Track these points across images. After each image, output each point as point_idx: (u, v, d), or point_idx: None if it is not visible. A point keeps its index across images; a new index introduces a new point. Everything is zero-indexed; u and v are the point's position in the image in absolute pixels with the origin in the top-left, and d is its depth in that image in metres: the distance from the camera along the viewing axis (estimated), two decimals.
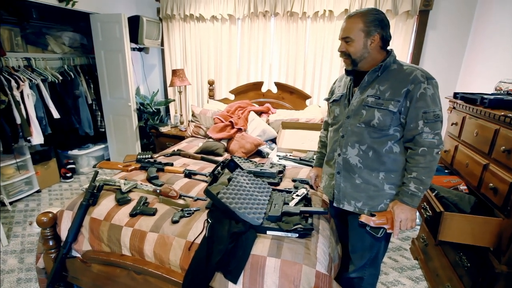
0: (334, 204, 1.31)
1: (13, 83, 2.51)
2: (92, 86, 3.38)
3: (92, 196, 1.53)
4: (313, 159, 2.22)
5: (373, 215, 1.18)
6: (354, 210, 1.25)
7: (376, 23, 1.09)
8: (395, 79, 1.11)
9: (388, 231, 1.18)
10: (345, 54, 1.16)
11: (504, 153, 1.21)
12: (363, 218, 1.17)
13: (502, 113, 1.24)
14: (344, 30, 1.14)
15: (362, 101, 1.16)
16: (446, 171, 1.76)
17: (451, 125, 1.76)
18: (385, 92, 1.12)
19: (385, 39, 1.12)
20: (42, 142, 2.75)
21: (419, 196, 1.11)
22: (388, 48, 1.18)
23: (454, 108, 1.77)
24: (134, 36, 3.13)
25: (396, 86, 1.10)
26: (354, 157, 1.20)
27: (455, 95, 1.72)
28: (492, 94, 1.53)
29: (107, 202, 1.55)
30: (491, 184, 1.27)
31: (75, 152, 3.39)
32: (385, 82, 1.13)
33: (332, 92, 1.38)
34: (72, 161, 3.39)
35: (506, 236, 1.18)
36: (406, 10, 2.52)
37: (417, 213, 1.40)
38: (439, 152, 1.10)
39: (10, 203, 2.68)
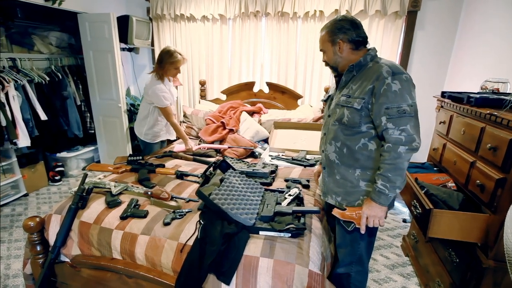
0: (322, 197, 1.38)
1: None
2: (80, 87, 3.32)
3: (81, 199, 1.50)
4: (306, 159, 2.26)
5: (344, 209, 1.24)
6: (335, 204, 1.31)
7: (336, 31, 1.17)
8: (365, 77, 1.15)
9: (356, 226, 1.23)
10: (327, 63, 1.29)
11: (490, 151, 1.23)
12: (335, 212, 1.24)
13: (488, 112, 1.27)
14: (319, 43, 1.27)
15: (338, 100, 1.23)
16: (435, 168, 1.79)
17: (439, 123, 1.79)
18: (355, 91, 1.17)
19: (354, 41, 1.17)
20: (29, 144, 2.69)
21: (386, 194, 1.11)
22: (370, 46, 1.21)
23: (442, 107, 1.80)
24: (124, 36, 3.09)
25: (364, 84, 1.14)
26: (332, 153, 1.26)
27: (443, 94, 1.76)
28: (478, 93, 1.56)
29: (97, 205, 1.52)
30: (478, 181, 1.30)
31: (64, 154, 3.32)
32: (357, 81, 1.17)
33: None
34: (60, 163, 3.32)
35: (493, 231, 1.21)
36: (394, 10, 2.56)
37: (408, 211, 1.40)
38: (408, 150, 1.07)
39: None
